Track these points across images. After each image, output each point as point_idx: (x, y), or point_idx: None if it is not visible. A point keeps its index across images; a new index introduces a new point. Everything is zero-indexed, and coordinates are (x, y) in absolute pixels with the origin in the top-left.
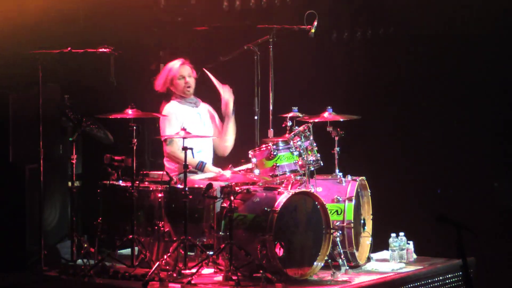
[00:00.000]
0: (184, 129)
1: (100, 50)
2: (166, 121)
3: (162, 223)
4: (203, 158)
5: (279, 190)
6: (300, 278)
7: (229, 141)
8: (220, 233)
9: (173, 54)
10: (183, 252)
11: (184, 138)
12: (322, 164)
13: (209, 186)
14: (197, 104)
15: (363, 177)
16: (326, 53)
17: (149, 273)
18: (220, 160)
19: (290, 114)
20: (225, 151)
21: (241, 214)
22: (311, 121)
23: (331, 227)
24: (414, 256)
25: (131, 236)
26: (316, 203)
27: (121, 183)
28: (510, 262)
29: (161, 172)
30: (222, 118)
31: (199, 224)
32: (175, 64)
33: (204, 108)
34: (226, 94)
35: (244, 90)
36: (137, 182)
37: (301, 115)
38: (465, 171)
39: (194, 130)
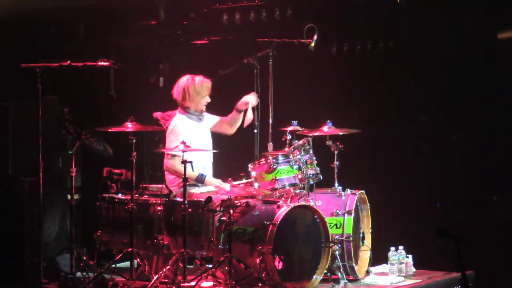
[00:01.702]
0: (183, 143)
1: (100, 63)
2: (173, 134)
3: (161, 236)
4: (205, 172)
5: (278, 203)
6: None
7: (234, 130)
8: (219, 246)
9: (173, 68)
10: (182, 265)
11: (184, 151)
12: (321, 177)
13: (209, 199)
14: (202, 119)
15: (363, 191)
16: (326, 67)
17: (148, 286)
18: (220, 173)
19: (290, 128)
20: (229, 134)
21: (240, 227)
22: (311, 134)
23: (330, 240)
24: (413, 269)
25: (130, 249)
26: (316, 216)
27: (120, 196)
28: (509, 276)
29: (160, 185)
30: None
31: (198, 237)
32: (205, 82)
33: (206, 121)
34: (252, 100)
35: None
36: (136, 195)
37: (300, 129)
38: (464, 184)
39: (198, 146)
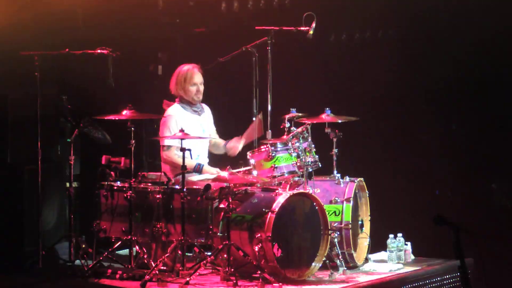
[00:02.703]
0: (182, 131)
1: (98, 51)
2: (165, 125)
3: (160, 224)
4: (200, 161)
5: (277, 191)
6: (298, 278)
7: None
8: (218, 233)
9: (172, 56)
10: (181, 253)
11: (181, 139)
12: (320, 165)
13: (208, 187)
14: (200, 112)
15: (361, 178)
16: (324, 55)
17: (147, 274)
18: (218, 161)
19: (289, 115)
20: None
21: (239, 215)
22: (309, 122)
23: (329, 228)
24: (412, 257)
25: (129, 237)
26: (314, 204)
27: (119, 184)
28: (508, 263)
29: (159, 173)
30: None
31: (197, 225)
32: (190, 70)
33: (206, 115)
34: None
35: (243, 92)
36: (135, 183)
37: (299, 116)
38: (464, 172)
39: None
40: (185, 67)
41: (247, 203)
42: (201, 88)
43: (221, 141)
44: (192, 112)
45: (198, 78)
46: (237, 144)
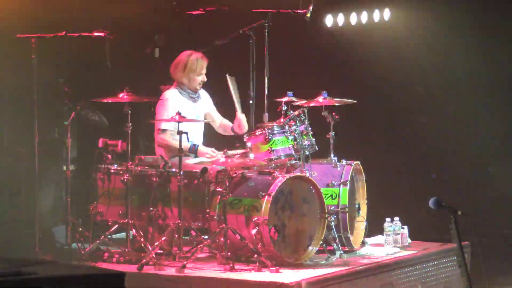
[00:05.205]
0: (178, 113)
1: (95, 34)
2: (163, 107)
3: (157, 207)
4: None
5: (274, 174)
6: (295, 262)
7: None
8: (215, 217)
9: (169, 39)
10: (177, 236)
11: (178, 122)
12: (317, 148)
13: (204, 170)
14: (196, 99)
15: (358, 162)
16: (322, 38)
17: (144, 258)
18: (215, 144)
19: (285, 99)
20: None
21: (236, 198)
22: (306, 105)
23: (326, 211)
24: (409, 240)
25: (125, 220)
26: (311, 187)
27: (116, 167)
28: (505, 246)
29: (156, 156)
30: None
31: (194, 208)
32: (200, 60)
33: (202, 101)
34: (242, 117)
35: (239, 75)
36: (132, 166)
37: (296, 100)
38: (460, 156)
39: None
40: (194, 56)
41: (244, 187)
42: (205, 78)
43: (229, 123)
44: (188, 98)
45: (204, 68)
46: (239, 118)
